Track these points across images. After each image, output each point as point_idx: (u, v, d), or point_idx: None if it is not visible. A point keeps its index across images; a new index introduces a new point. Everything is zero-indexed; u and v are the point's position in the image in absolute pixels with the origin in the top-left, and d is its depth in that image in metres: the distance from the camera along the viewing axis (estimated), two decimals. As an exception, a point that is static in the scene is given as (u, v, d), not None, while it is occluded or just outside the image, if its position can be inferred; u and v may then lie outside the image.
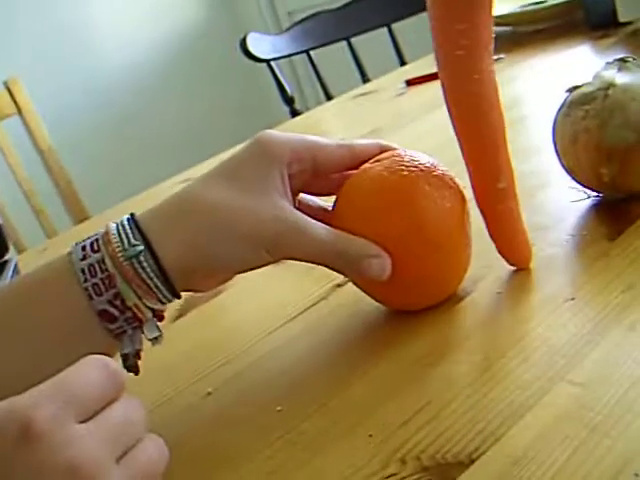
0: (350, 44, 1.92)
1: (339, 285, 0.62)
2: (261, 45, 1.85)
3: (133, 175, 3.07)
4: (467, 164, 0.54)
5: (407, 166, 0.52)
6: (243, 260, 0.51)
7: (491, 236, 0.55)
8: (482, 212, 0.55)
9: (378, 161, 0.54)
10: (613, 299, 0.49)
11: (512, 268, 0.56)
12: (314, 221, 0.51)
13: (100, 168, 3.12)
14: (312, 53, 1.90)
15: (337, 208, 0.54)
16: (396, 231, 0.51)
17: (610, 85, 0.58)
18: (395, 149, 0.56)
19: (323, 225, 0.51)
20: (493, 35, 0.51)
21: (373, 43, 2.05)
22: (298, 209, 0.53)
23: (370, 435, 0.43)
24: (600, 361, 0.43)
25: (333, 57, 2.16)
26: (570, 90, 0.61)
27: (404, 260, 0.50)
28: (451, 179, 0.53)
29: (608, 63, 0.61)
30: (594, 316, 0.48)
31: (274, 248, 0.50)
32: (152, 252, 0.48)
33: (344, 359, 0.53)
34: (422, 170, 0.52)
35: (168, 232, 0.50)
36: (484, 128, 0.52)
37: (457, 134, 0.53)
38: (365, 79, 1.89)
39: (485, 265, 0.57)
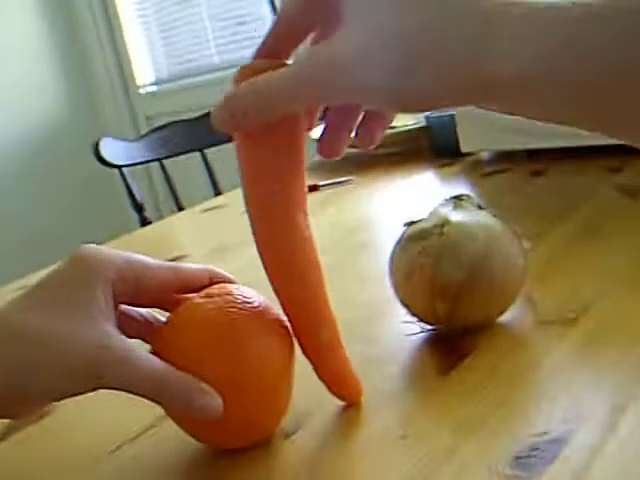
0: (204, 155, 1.93)
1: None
2: (115, 149, 1.84)
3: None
4: (287, 317, 0.53)
5: (238, 308, 0.51)
6: (59, 391, 0.48)
7: (320, 378, 0.54)
8: (308, 359, 0.54)
9: (210, 296, 0.52)
10: (444, 437, 0.49)
11: (342, 403, 0.55)
12: (141, 351, 0.48)
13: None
14: (166, 162, 1.90)
15: (163, 338, 0.52)
16: (219, 372, 0.49)
17: (445, 223, 0.59)
18: (225, 280, 0.55)
19: (149, 356, 0.49)
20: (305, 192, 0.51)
21: (227, 155, 2.07)
22: (118, 319, 0.50)
23: None
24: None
25: (187, 167, 2.17)
26: (408, 224, 0.62)
27: (226, 402, 0.48)
28: (281, 324, 0.52)
29: (445, 200, 0.63)
30: (424, 455, 0.47)
31: (96, 379, 0.47)
32: None
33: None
34: (253, 313, 0.51)
35: None
36: (302, 287, 0.51)
37: (273, 288, 0.52)
38: (217, 191, 1.90)
39: (315, 401, 0.56)
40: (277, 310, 0.53)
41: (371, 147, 0.52)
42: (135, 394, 0.48)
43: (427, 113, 1.35)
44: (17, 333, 0.47)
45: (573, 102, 0.38)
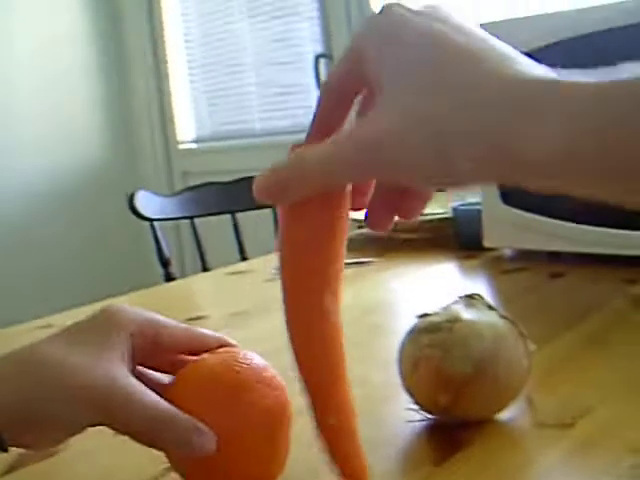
0: (234, 218, 1.97)
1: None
2: (150, 203, 1.88)
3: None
4: (306, 396, 0.53)
5: (239, 362, 0.55)
6: (73, 421, 0.51)
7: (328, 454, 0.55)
8: (319, 437, 0.54)
9: (215, 352, 0.57)
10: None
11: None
12: (147, 390, 0.52)
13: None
14: (197, 220, 1.94)
15: (169, 392, 0.55)
16: (217, 424, 0.52)
17: (456, 319, 0.62)
18: (234, 347, 0.59)
19: (154, 395, 0.52)
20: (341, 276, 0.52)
21: (257, 221, 2.11)
22: (136, 378, 0.54)
23: None
24: None
25: (218, 228, 2.21)
26: (420, 316, 0.65)
27: (221, 453, 0.52)
28: (278, 382, 0.56)
29: (458, 297, 0.66)
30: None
31: (104, 412, 0.50)
32: None
33: None
34: (252, 369, 0.55)
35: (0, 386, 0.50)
36: (319, 367, 0.52)
37: (298, 366, 0.53)
38: (243, 255, 1.93)
39: (308, 472, 0.58)
40: (276, 372, 0.56)
41: (412, 219, 0.52)
42: (137, 439, 0.52)
43: (455, 204, 1.38)
44: (36, 365, 0.51)
45: (612, 177, 0.39)
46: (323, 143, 0.45)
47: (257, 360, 0.56)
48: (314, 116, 0.50)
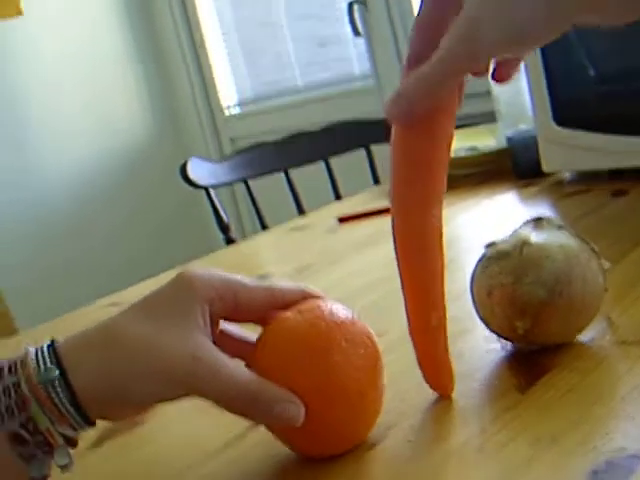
0: (288, 175, 1.96)
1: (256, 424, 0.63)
2: (201, 170, 1.88)
3: (62, 289, 3.05)
4: (405, 298, 0.58)
5: (326, 321, 0.53)
6: (157, 395, 0.51)
7: (419, 364, 0.59)
8: (413, 341, 0.58)
9: (299, 311, 0.55)
10: (519, 452, 0.50)
11: (425, 417, 0.57)
12: (231, 361, 0.52)
13: (27, 277, 3.09)
14: (251, 182, 1.94)
15: (255, 353, 0.55)
16: (309, 382, 0.52)
17: (525, 243, 0.61)
18: (318, 297, 0.57)
19: (240, 366, 0.52)
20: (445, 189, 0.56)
21: (310, 176, 2.10)
22: (219, 339, 0.54)
23: None
24: (504, 515, 0.45)
25: (272, 187, 2.21)
26: (488, 245, 0.64)
27: (314, 411, 0.51)
28: (368, 336, 0.55)
29: (525, 222, 0.65)
30: (501, 470, 0.49)
31: (189, 386, 0.51)
32: (66, 379, 0.49)
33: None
34: (340, 326, 0.54)
35: (85, 361, 0.50)
36: (423, 269, 0.56)
37: (399, 268, 0.57)
38: (301, 210, 1.93)
39: (399, 412, 0.58)
40: (364, 323, 0.56)
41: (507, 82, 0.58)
42: (225, 409, 0.51)
43: (509, 134, 1.35)
44: (121, 341, 0.51)
45: None
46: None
47: (343, 313, 0.55)
48: (408, 53, 0.55)
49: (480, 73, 0.55)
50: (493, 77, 0.57)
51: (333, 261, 1.09)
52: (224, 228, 1.82)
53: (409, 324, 0.58)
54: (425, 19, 0.55)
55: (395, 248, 0.57)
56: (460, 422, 0.56)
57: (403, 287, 0.57)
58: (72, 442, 0.51)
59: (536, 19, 0.48)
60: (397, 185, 0.56)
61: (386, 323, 0.61)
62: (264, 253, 1.38)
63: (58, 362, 0.49)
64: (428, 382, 0.59)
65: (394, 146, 0.56)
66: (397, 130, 0.55)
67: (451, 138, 0.56)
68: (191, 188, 1.87)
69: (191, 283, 0.53)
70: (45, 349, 0.50)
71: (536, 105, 1.21)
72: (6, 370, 0.49)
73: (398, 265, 0.57)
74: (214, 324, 0.55)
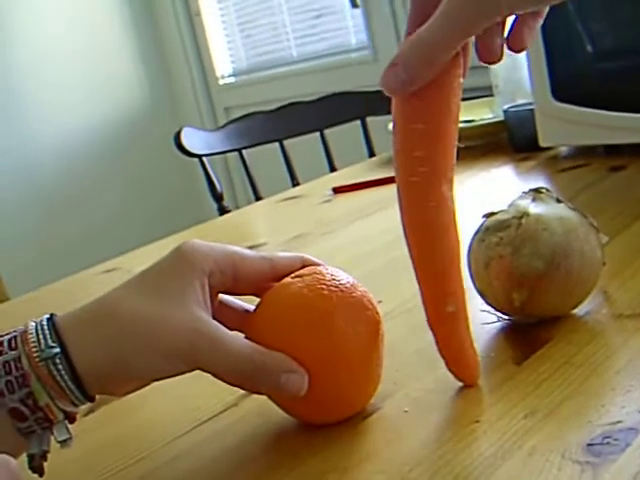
0: (282, 146, 1.95)
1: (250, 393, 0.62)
2: (195, 140, 1.87)
3: (57, 258, 3.05)
4: (419, 285, 0.54)
5: (327, 285, 0.53)
6: (158, 370, 0.51)
7: (440, 352, 0.56)
8: (431, 330, 0.55)
9: (300, 276, 0.55)
10: (515, 424, 0.50)
11: (421, 387, 0.57)
12: (232, 334, 0.51)
13: (25, 249, 3.09)
14: (245, 152, 1.93)
15: (255, 320, 0.55)
16: (310, 348, 0.51)
17: (524, 214, 0.60)
18: (317, 265, 0.57)
19: (241, 338, 0.52)
20: (454, 163, 0.52)
21: (305, 147, 2.09)
22: (218, 311, 0.54)
23: None
24: (500, 485, 0.44)
25: (266, 157, 2.20)
26: (486, 216, 0.64)
27: (316, 377, 0.51)
28: (369, 300, 0.54)
29: (524, 193, 0.64)
30: (496, 440, 0.49)
31: (190, 360, 0.50)
32: (67, 356, 0.48)
33: (250, 469, 0.53)
34: (342, 290, 0.53)
35: (85, 337, 0.50)
36: (436, 254, 0.53)
37: (410, 254, 0.54)
38: (295, 182, 1.92)
39: (395, 382, 0.58)
40: (365, 288, 0.55)
41: (523, 51, 0.52)
42: (226, 382, 0.51)
43: (506, 108, 1.35)
44: (120, 316, 0.50)
45: None
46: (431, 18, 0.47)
47: (344, 279, 0.54)
48: (408, 26, 0.51)
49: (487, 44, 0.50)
50: (509, 47, 0.51)
51: (328, 231, 1.08)
52: (218, 197, 1.81)
53: (426, 312, 0.55)
54: None
55: (405, 237, 0.53)
56: (456, 393, 0.56)
57: (416, 273, 0.54)
58: (71, 417, 0.50)
59: None
60: (402, 164, 0.52)
61: (381, 292, 0.60)
62: (258, 223, 1.38)
63: (58, 338, 0.49)
64: (451, 371, 0.56)
65: (395, 120, 0.52)
66: (396, 103, 0.51)
67: (457, 109, 0.51)
68: (186, 158, 1.86)
69: (191, 256, 0.53)
70: (45, 324, 0.50)
71: (535, 80, 1.20)
72: (6, 345, 0.49)
73: (409, 250, 0.54)
74: (213, 297, 0.54)
